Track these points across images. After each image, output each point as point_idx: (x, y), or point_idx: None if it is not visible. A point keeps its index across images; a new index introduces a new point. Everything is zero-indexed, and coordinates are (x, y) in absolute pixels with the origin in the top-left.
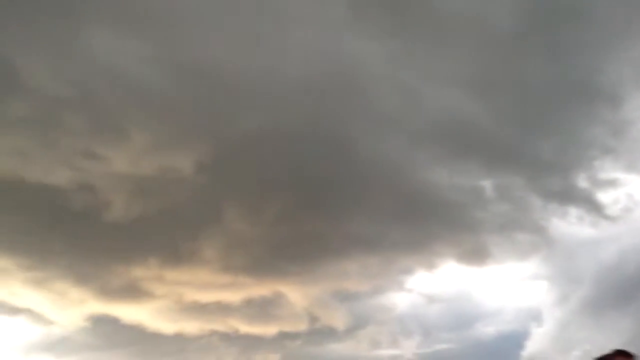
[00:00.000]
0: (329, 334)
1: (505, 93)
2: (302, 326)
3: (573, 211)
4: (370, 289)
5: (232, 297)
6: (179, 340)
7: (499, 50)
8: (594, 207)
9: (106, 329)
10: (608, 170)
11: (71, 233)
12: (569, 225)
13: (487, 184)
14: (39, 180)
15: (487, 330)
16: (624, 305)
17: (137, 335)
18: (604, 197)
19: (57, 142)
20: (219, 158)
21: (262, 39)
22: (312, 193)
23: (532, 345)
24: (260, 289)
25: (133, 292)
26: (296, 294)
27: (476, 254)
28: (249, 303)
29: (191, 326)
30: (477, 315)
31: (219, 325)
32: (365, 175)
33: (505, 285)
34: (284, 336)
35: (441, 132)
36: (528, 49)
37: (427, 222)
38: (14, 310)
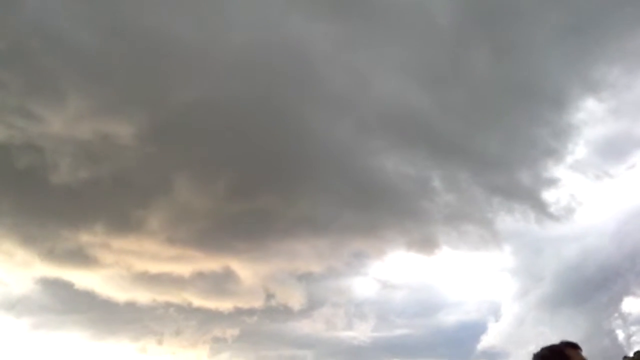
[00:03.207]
0: (285, 312)
1: (450, 86)
2: (257, 303)
3: (517, 207)
4: (325, 271)
5: (182, 269)
6: (134, 309)
7: (442, 42)
8: (538, 205)
9: (61, 293)
10: (551, 170)
11: (16, 192)
12: (516, 221)
13: (433, 175)
14: None
15: (448, 319)
16: (580, 304)
17: (90, 301)
18: (547, 195)
19: None
20: (162, 127)
21: (204, 6)
22: (261, 170)
23: (487, 340)
24: (209, 264)
25: (81, 257)
26: (246, 271)
27: (425, 243)
28: (200, 277)
29: (144, 296)
30: (438, 304)
31: (173, 297)
32: (315, 156)
33: (469, 276)
34: (240, 312)
35: (389, 119)
36: (471, 43)
37: (376, 208)
38: None
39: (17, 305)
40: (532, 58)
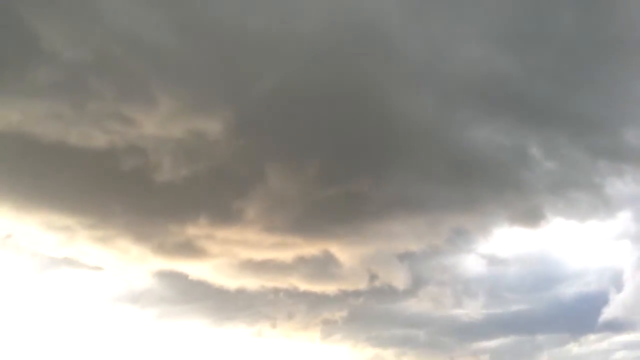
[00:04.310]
0: (390, 292)
1: (537, 46)
2: (361, 285)
3: (626, 169)
4: (426, 249)
5: (284, 255)
6: (245, 296)
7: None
8: None
9: (177, 284)
10: None
11: (125, 193)
12: (626, 184)
13: (529, 142)
14: (79, 143)
15: (567, 291)
16: None
17: (205, 290)
18: None
19: (87, 107)
20: (248, 119)
21: None
22: (350, 152)
23: (609, 311)
24: (309, 249)
25: (189, 249)
26: (345, 254)
27: (529, 216)
28: (302, 262)
29: (252, 283)
30: (554, 277)
31: (279, 282)
32: (402, 134)
33: (585, 246)
34: (346, 294)
35: (475, 87)
36: None
37: (471, 182)
38: (84, 266)
39: (141, 298)
40: (624, 5)
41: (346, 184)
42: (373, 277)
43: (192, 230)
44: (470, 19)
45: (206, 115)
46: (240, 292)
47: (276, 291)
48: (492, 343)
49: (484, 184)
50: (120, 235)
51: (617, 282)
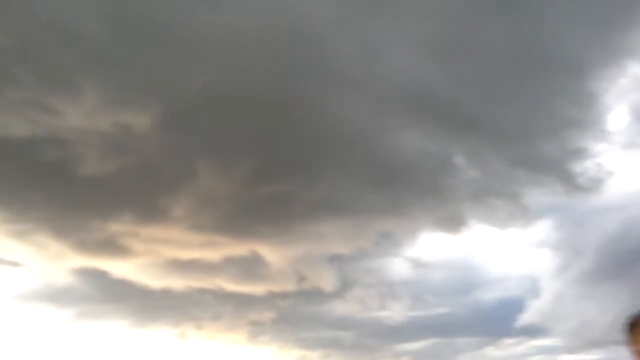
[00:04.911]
0: (318, 294)
1: (465, 58)
2: (289, 286)
3: (544, 179)
4: (354, 252)
5: (211, 255)
6: (170, 296)
7: (454, 12)
8: (565, 176)
9: (98, 283)
10: (576, 140)
11: (45, 186)
12: (543, 194)
13: (454, 150)
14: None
15: (486, 296)
16: (622, 275)
17: (127, 289)
18: (574, 166)
19: (7, 95)
20: (179, 115)
21: None
22: (281, 153)
23: (526, 316)
24: (237, 249)
25: (112, 247)
26: (274, 255)
27: (452, 221)
28: (229, 262)
29: (178, 283)
30: (475, 282)
31: (206, 283)
32: (333, 137)
33: (506, 253)
34: (274, 295)
35: (404, 95)
36: (484, 12)
37: (398, 187)
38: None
39: (59, 297)
40: (549, 25)
41: (276, 185)
42: (301, 278)
43: (115, 227)
44: (403, 27)
45: (134, 108)
46: (165, 293)
47: (202, 292)
48: (415, 345)
49: (410, 189)
50: (39, 230)
51: (535, 289)
